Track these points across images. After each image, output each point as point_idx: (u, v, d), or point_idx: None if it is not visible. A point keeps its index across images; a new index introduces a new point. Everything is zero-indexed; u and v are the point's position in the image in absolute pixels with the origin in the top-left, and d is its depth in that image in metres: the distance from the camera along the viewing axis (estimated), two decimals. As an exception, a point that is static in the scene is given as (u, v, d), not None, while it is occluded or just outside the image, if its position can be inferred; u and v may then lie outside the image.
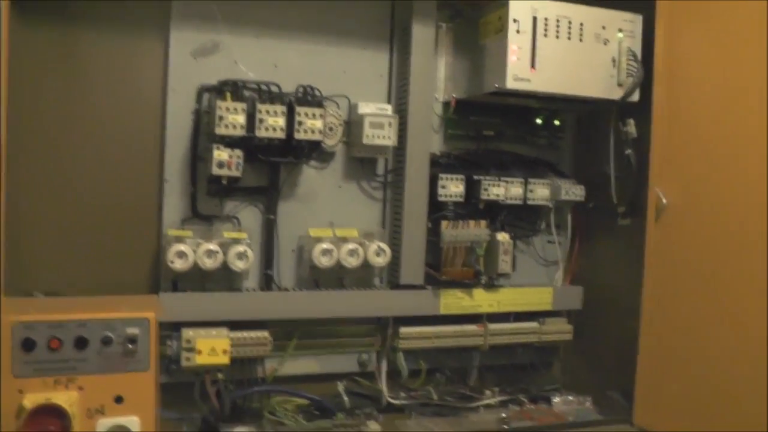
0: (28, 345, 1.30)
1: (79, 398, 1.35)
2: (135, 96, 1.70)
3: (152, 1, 1.67)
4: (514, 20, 1.68)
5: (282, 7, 1.76)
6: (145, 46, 1.70)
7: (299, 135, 1.66)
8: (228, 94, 1.64)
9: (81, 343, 1.40)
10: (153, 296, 1.63)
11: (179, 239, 1.64)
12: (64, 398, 1.32)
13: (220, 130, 1.60)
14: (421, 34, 1.81)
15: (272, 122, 1.63)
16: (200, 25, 1.70)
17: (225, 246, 1.65)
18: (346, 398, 1.78)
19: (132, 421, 1.39)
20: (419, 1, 1.80)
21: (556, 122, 2.02)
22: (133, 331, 1.44)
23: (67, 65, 1.64)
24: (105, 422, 1.37)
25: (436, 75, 1.90)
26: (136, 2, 1.67)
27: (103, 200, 1.67)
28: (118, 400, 1.38)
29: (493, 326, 1.91)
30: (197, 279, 1.67)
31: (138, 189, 1.70)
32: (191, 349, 1.61)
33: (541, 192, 1.91)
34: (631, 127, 1.81)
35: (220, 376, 1.67)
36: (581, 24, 1.74)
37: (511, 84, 1.67)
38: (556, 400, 1.92)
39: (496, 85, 1.69)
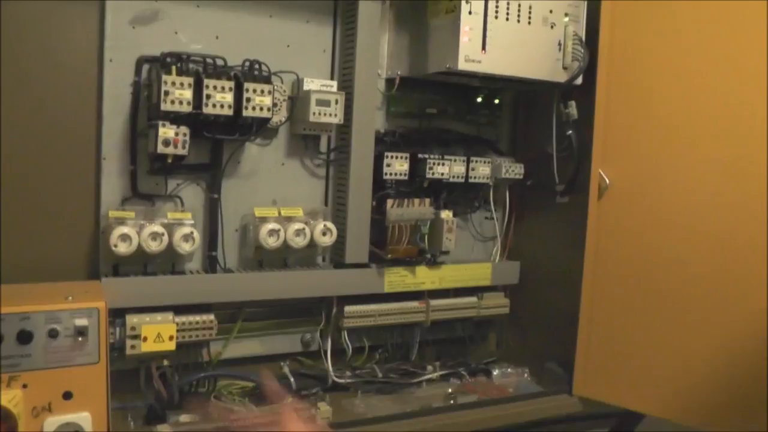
0: (-36, 342, 1.20)
1: (23, 396, 1.28)
2: (67, 66, 1.57)
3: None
4: (467, 1, 1.65)
5: None
6: (78, 12, 1.57)
7: (247, 112, 1.59)
8: (173, 68, 1.55)
9: (24, 337, 1.32)
10: (95, 282, 1.55)
11: (121, 221, 1.56)
12: (7, 397, 1.24)
13: (166, 106, 1.51)
14: (368, 7, 1.77)
15: (220, 98, 1.56)
16: (137, -8, 1.59)
17: (169, 227, 1.58)
18: (292, 379, 1.75)
19: (82, 417, 1.33)
20: None
21: (496, 101, 2.03)
22: (81, 321, 1.37)
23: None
24: (53, 420, 1.30)
25: (381, 48, 1.86)
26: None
27: (35, 179, 1.56)
28: (67, 395, 1.31)
29: (435, 302, 1.93)
30: (139, 262, 1.60)
31: (73, 167, 1.59)
32: (136, 336, 1.54)
33: (482, 170, 1.92)
34: (573, 108, 1.84)
35: (165, 362, 1.61)
36: (530, 7, 1.74)
37: (462, 65, 1.65)
38: (495, 372, 1.96)
39: (448, 66, 1.67)
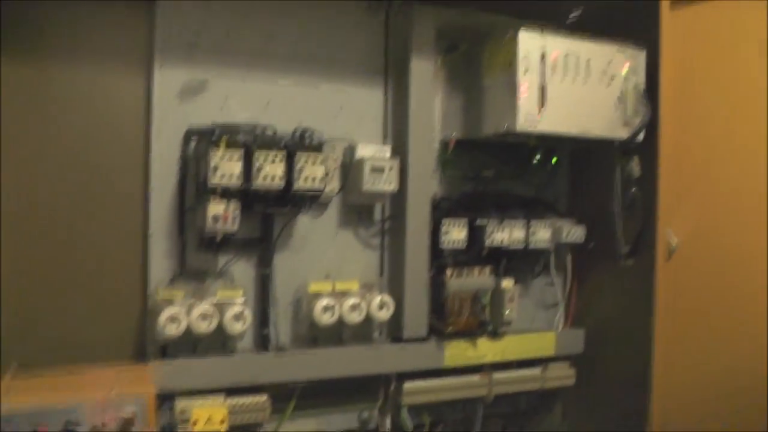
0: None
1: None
2: (115, 140, 1.54)
3: (133, 32, 1.53)
4: (524, 57, 1.59)
5: (272, 37, 1.65)
6: (125, 84, 1.54)
7: (299, 184, 1.53)
8: (222, 141, 1.49)
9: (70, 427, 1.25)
10: (140, 366, 1.48)
11: (169, 301, 1.49)
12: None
13: (215, 180, 1.45)
14: (420, 67, 1.71)
15: (270, 170, 1.50)
16: (186, 61, 1.56)
17: (219, 306, 1.51)
18: (350, 460, 1.65)
19: None
20: (418, 32, 1.70)
21: (554, 160, 1.94)
22: (129, 410, 1.30)
23: (42, 105, 1.47)
24: None
25: (434, 110, 1.79)
26: (115, 34, 1.53)
27: (82, 258, 1.51)
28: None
29: (497, 375, 1.82)
30: (188, 342, 1.52)
31: (120, 243, 1.54)
32: (186, 420, 1.47)
33: (542, 234, 1.82)
34: (636, 165, 1.75)
35: (218, 448, 1.51)
36: (588, 60, 1.67)
37: (521, 125, 1.58)
38: (562, 446, 1.84)
39: (506, 126, 1.60)
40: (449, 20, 1.76)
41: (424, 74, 1.71)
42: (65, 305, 1.49)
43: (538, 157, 1.92)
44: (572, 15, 1.85)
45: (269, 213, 1.60)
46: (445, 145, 1.80)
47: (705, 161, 1.67)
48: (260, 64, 1.63)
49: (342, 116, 1.71)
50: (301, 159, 1.53)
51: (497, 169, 1.88)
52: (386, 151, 1.68)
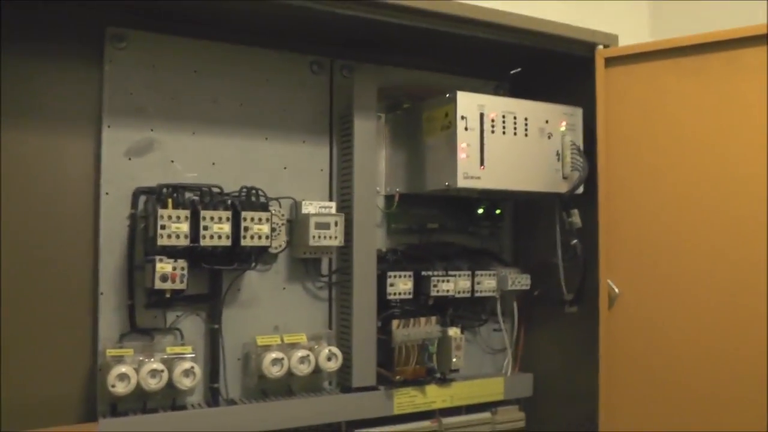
0: None
1: None
2: (63, 201, 1.56)
3: (83, 93, 1.57)
4: (462, 117, 1.64)
5: (218, 101, 1.69)
6: (74, 146, 1.58)
7: (246, 242, 1.57)
8: (170, 200, 1.54)
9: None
10: (88, 425, 1.49)
11: (119, 359, 1.51)
12: None
13: (163, 241, 1.49)
14: (363, 124, 1.76)
15: (217, 229, 1.54)
16: (134, 121, 1.60)
17: (169, 362, 1.54)
18: None
19: None
20: (360, 91, 1.77)
21: (498, 212, 2.00)
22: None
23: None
24: None
25: (379, 167, 1.85)
26: (65, 95, 1.56)
27: (30, 316, 1.52)
28: None
29: (447, 420, 1.85)
30: (138, 399, 1.54)
31: (69, 303, 1.56)
32: (136, 479, 1.47)
33: (488, 283, 1.88)
34: (576, 217, 1.81)
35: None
36: (525, 119, 1.73)
37: (462, 182, 1.63)
38: (513, 494, 1.87)
39: (447, 184, 1.65)
40: (391, 79, 1.84)
41: (367, 132, 1.77)
42: (13, 365, 1.50)
43: (481, 210, 1.97)
44: (512, 72, 1.93)
45: (217, 270, 1.62)
46: (390, 199, 1.85)
47: (643, 213, 1.74)
48: (206, 126, 1.67)
49: (288, 175, 1.76)
50: (247, 218, 1.57)
51: (442, 221, 1.93)
52: (331, 207, 1.73)
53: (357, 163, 1.75)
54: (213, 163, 1.67)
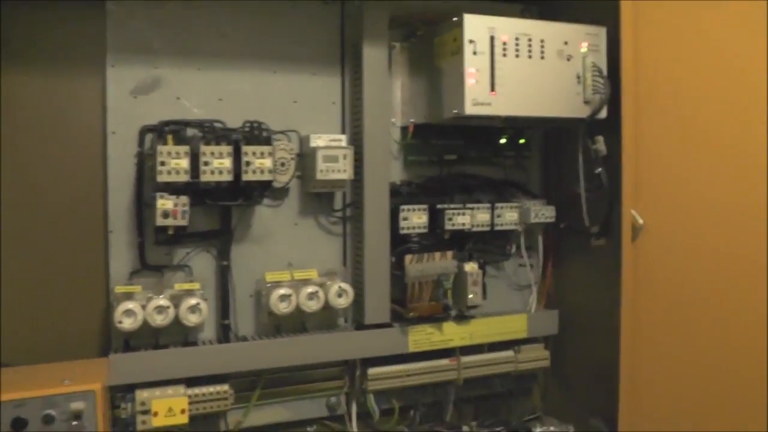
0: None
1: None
2: (73, 141, 1.59)
3: (86, 33, 1.56)
4: (470, 41, 1.57)
5: (224, 35, 1.66)
6: (80, 85, 1.58)
7: (247, 176, 1.56)
8: (169, 137, 1.54)
9: (19, 425, 1.30)
10: (101, 360, 1.53)
11: (128, 296, 1.53)
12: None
13: (163, 177, 1.50)
14: (373, 55, 1.71)
15: (218, 164, 1.53)
16: (138, 59, 1.59)
17: (177, 299, 1.55)
18: (319, 446, 1.68)
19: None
20: (369, 20, 1.70)
21: (522, 141, 1.92)
22: (77, 406, 1.35)
23: None
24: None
25: (392, 99, 1.80)
26: (69, 35, 1.56)
27: (44, 258, 1.56)
28: (63, 481, 1.29)
29: (467, 359, 1.82)
30: (150, 335, 1.56)
31: (81, 241, 1.59)
32: (146, 412, 1.50)
33: (509, 216, 1.82)
34: (601, 144, 1.72)
35: (184, 436, 1.56)
36: (542, 41, 1.64)
37: (470, 109, 1.57)
38: (538, 430, 1.83)
39: (455, 111, 1.59)
40: (406, 6, 1.76)
41: (378, 62, 1.71)
42: (30, 305, 1.55)
43: (504, 139, 1.89)
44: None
45: (225, 206, 1.62)
46: (405, 130, 1.79)
47: (670, 140, 1.66)
48: (213, 62, 1.65)
49: (298, 109, 1.73)
50: (248, 152, 1.55)
51: (462, 152, 1.87)
52: (341, 140, 1.69)
53: (367, 95, 1.71)
54: (220, 99, 1.65)
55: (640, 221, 1.66)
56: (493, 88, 1.59)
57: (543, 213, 1.85)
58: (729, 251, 1.57)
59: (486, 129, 1.86)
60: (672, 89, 1.65)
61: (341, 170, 1.66)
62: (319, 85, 1.75)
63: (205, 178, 1.52)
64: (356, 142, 1.72)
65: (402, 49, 1.81)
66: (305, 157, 1.70)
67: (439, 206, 1.76)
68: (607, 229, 1.74)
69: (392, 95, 1.80)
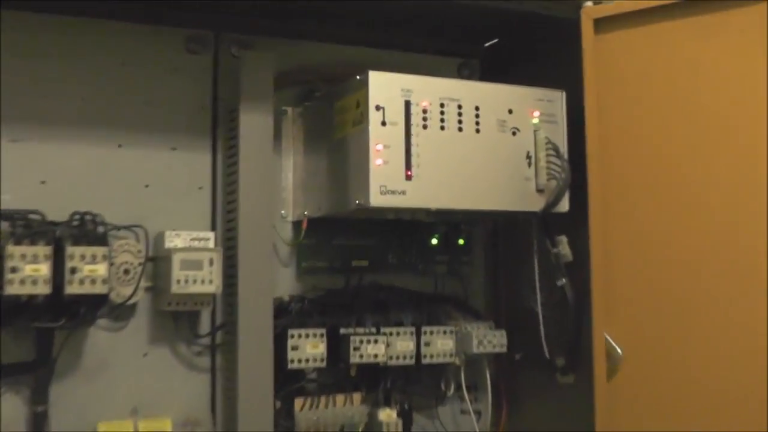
0: None
1: None
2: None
3: None
4: (378, 107, 1.64)
5: (51, 95, 1.73)
6: None
7: (72, 287, 1.59)
8: (-39, 236, 1.58)
9: None
10: None
11: None
12: None
13: (-56, 287, 1.53)
14: (254, 123, 1.79)
15: (32, 271, 1.56)
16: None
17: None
18: None
19: None
20: (249, 75, 1.79)
21: (461, 241, 2.02)
22: None
23: None
24: None
25: (280, 183, 1.90)
26: None
27: None
28: None
29: None
30: None
31: None
32: None
33: (442, 344, 1.89)
34: (564, 247, 1.82)
35: None
36: (476, 108, 1.74)
37: (377, 200, 1.62)
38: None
39: (358, 202, 1.65)
40: (299, 57, 1.88)
41: (261, 132, 1.79)
42: None
43: (436, 239, 1.99)
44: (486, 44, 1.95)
45: (41, 328, 1.65)
46: (298, 226, 1.87)
47: (655, 236, 1.73)
48: (33, 130, 1.71)
49: (150, 195, 1.79)
50: (75, 255, 1.60)
51: (377, 257, 1.96)
52: (208, 239, 1.77)
53: (245, 177, 1.78)
54: (42, 182, 1.72)
55: (619, 351, 1.74)
56: (409, 170, 1.66)
57: (490, 340, 1.92)
58: (730, 386, 1.63)
59: (410, 225, 1.95)
60: (653, 167, 1.74)
61: (207, 281, 1.71)
62: (182, 164, 1.82)
63: (13, 290, 1.54)
64: (230, 242, 1.79)
65: (296, 115, 1.91)
66: (159, 262, 1.75)
67: (343, 330, 1.82)
68: (574, 361, 1.82)
69: (281, 178, 1.89)
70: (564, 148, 1.81)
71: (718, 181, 1.65)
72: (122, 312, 1.76)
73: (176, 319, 1.80)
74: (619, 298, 1.76)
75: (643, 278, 1.75)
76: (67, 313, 1.65)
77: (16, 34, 1.69)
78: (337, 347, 1.82)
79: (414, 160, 1.67)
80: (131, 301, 1.72)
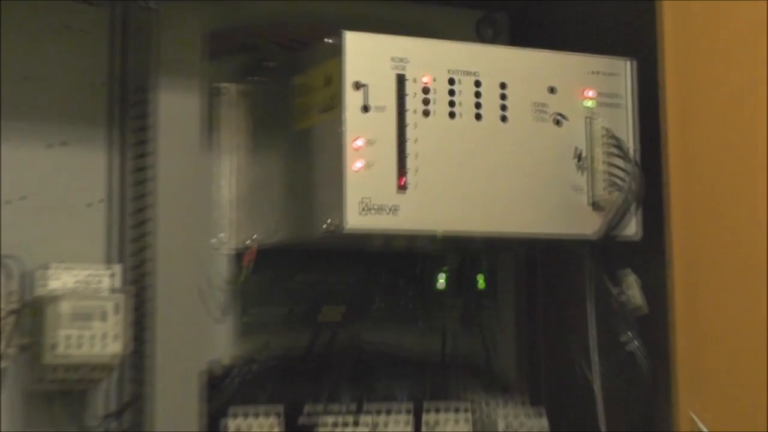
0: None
1: None
2: None
3: None
4: (357, 84, 1.42)
5: None
6: None
7: None
8: None
9: None
10: None
11: None
12: None
13: None
14: (174, 107, 1.60)
15: None
16: None
17: None
18: None
19: None
20: (169, 38, 1.61)
21: (480, 281, 1.84)
22: None
23: None
24: None
25: (213, 197, 1.73)
26: None
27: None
28: None
29: None
30: None
31: None
32: None
33: (454, 429, 1.74)
34: (633, 290, 1.62)
35: None
36: (502, 85, 1.53)
37: (355, 221, 1.40)
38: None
39: (328, 224, 1.43)
40: (240, 13, 1.74)
41: (185, 120, 1.61)
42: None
43: (443, 278, 1.83)
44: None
45: None
46: (239, 259, 1.66)
47: (757, 276, 1.53)
48: None
49: (21, 212, 1.59)
50: None
51: (357, 303, 1.78)
52: (106, 277, 1.55)
53: (163, 187, 1.57)
54: None
55: (705, 432, 1.55)
56: (403, 177, 1.45)
57: (522, 422, 1.79)
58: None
59: (406, 258, 1.81)
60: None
61: (104, 339, 1.48)
62: (68, 167, 1.63)
63: None
64: (139, 281, 1.58)
65: (237, 96, 1.73)
66: (33, 313, 1.53)
67: (308, 409, 1.65)
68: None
69: (216, 188, 1.72)
70: (632, 145, 1.61)
71: None
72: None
73: (51, 401, 1.60)
74: (711, 366, 1.61)
75: (744, 337, 1.57)
76: None
77: None
78: (298, 434, 1.63)
79: (410, 163, 1.48)
80: (-3, 372, 1.52)
